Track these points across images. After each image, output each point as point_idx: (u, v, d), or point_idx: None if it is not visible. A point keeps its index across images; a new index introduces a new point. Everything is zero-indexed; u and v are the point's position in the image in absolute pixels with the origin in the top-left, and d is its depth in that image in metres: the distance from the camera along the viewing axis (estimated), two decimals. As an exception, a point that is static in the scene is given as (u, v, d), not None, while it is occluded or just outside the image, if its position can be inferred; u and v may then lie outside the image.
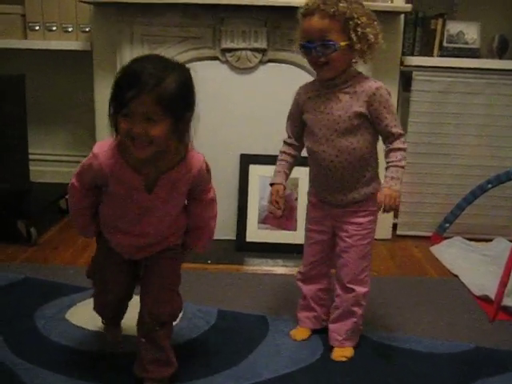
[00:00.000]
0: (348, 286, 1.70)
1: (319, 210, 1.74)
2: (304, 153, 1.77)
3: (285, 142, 1.77)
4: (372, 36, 1.54)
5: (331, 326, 1.77)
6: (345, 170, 1.63)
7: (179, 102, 1.28)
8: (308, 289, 1.82)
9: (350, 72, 1.62)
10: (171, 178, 1.37)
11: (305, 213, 1.82)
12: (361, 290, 1.71)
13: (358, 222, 1.68)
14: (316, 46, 1.54)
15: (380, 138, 1.67)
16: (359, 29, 1.52)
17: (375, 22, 1.57)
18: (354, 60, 1.62)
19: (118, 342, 1.71)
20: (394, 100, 2.64)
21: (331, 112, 1.61)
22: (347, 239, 1.69)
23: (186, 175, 1.39)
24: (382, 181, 1.63)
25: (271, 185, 1.74)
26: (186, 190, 1.43)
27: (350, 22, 1.52)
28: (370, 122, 1.61)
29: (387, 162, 1.62)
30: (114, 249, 1.51)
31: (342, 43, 1.54)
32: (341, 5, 1.51)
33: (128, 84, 1.22)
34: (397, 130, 1.60)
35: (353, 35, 1.53)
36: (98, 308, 1.68)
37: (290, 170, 1.77)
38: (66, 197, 2.84)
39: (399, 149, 1.60)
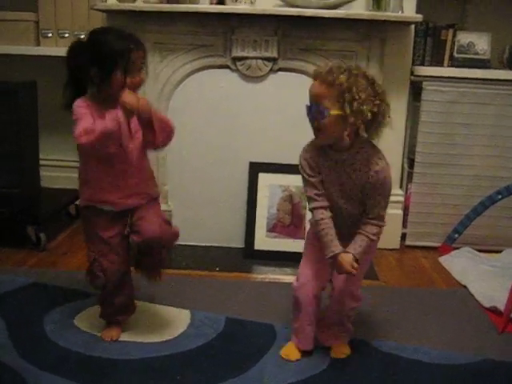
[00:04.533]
0: (349, 305, 1.74)
1: None
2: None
3: (315, 209, 1.65)
4: (369, 113, 1.48)
5: (321, 334, 1.81)
6: (350, 214, 1.65)
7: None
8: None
9: (355, 146, 1.59)
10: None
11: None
12: (356, 304, 1.77)
13: None
14: (311, 109, 1.54)
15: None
16: (355, 103, 1.47)
17: (379, 101, 1.51)
18: (346, 132, 1.54)
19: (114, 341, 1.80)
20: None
21: (343, 183, 1.62)
22: None
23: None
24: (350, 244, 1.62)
25: (332, 257, 1.61)
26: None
27: (347, 95, 1.48)
28: None
29: (360, 230, 1.62)
30: (103, 216, 1.73)
31: (334, 112, 1.50)
32: (341, 76, 1.48)
33: (125, 48, 1.60)
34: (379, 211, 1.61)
35: (346, 108, 1.48)
36: (106, 302, 1.82)
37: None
38: (76, 202, 2.91)
39: (378, 225, 1.62)
